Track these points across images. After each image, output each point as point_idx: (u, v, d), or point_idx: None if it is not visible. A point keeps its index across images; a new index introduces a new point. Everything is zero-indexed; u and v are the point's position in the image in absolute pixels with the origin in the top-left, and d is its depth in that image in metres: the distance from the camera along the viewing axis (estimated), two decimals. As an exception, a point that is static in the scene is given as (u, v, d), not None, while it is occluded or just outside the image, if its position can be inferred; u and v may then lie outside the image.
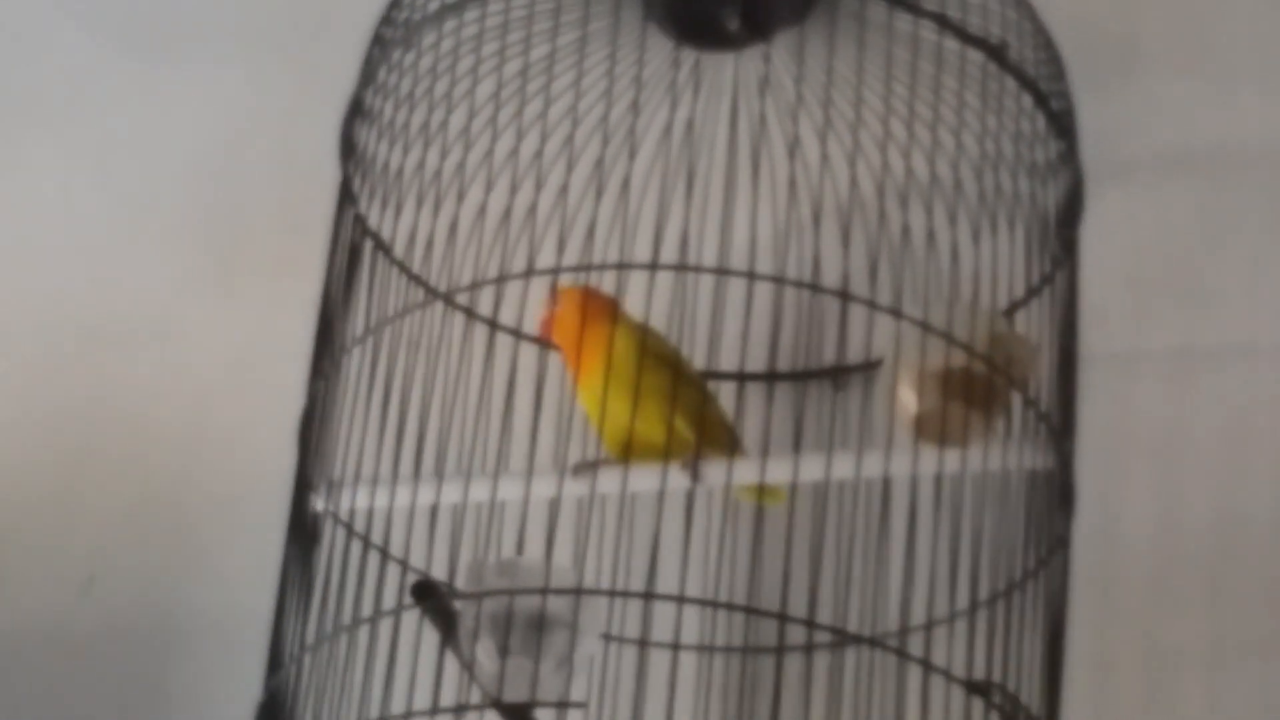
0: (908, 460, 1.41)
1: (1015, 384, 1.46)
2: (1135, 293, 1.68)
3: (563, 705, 1.42)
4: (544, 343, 1.55)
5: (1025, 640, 1.43)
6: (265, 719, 1.47)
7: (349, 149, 1.54)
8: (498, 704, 1.42)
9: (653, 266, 1.41)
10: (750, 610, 1.50)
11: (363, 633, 1.42)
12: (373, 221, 1.52)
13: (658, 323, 1.53)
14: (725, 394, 1.59)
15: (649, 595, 1.37)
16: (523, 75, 1.48)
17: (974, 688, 1.41)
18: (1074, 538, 1.48)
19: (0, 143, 2.01)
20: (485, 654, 1.43)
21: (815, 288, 1.41)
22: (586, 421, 1.52)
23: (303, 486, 1.50)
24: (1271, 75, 1.70)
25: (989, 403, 1.45)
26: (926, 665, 1.38)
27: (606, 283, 1.47)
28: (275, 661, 1.47)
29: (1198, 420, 1.64)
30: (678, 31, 1.52)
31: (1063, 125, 1.51)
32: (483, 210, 1.45)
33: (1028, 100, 1.49)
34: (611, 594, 1.47)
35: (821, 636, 1.44)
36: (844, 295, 1.40)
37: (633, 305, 1.48)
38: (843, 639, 1.48)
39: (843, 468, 1.42)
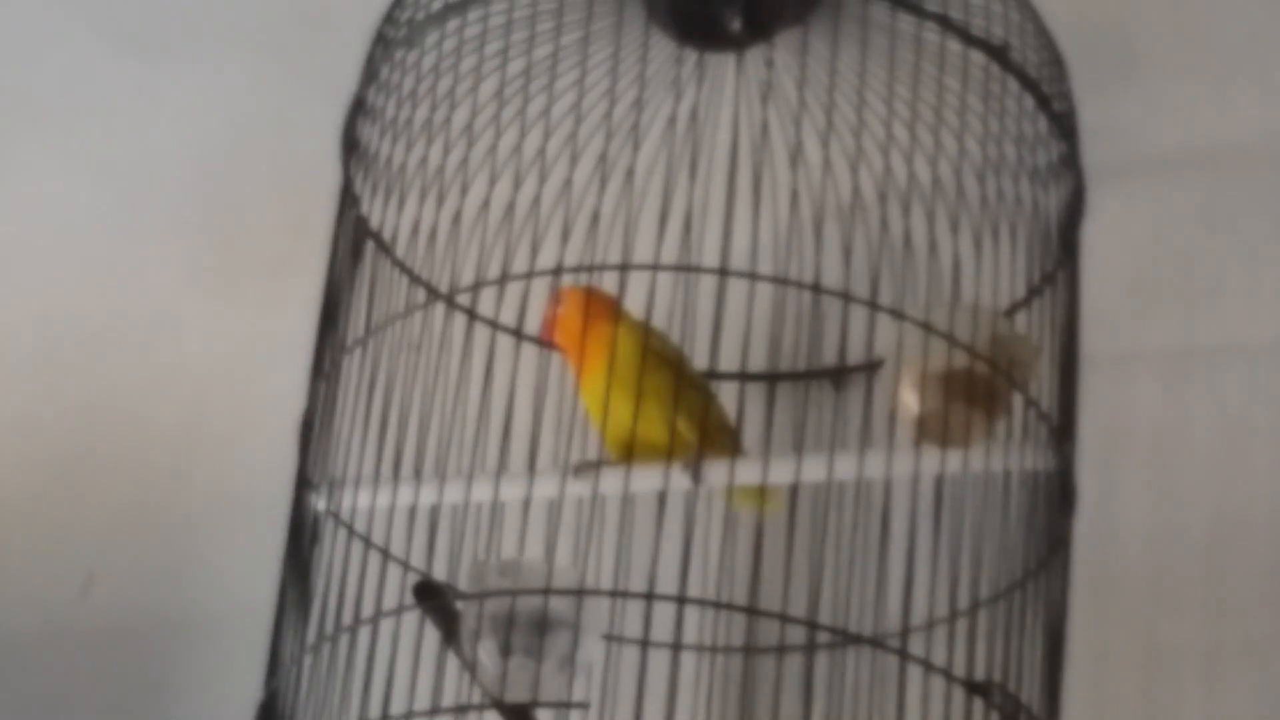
0: (909, 461, 1.41)
1: (1016, 385, 1.46)
2: (1136, 293, 1.68)
3: (564, 706, 1.43)
4: (545, 343, 1.55)
5: (1026, 640, 1.43)
6: (265, 719, 1.47)
7: (351, 148, 1.54)
8: (499, 704, 1.42)
9: (654, 267, 1.41)
10: (751, 611, 1.49)
11: (363, 633, 1.41)
12: (374, 220, 1.52)
13: (659, 323, 1.53)
14: (726, 394, 1.59)
15: (650, 596, 1.37)
16: (525, 75, 1.48)
17: (975, 688, 1.41)
18: (1073, 537, 1.48)
19: (-1, 142, 2.02)
20: (487, 654, 1.43)
21: (817, 289, 1.41)
22: (588, 422, 1.52)
23: (303, 486, 1.50)
24: (1271, 76, 1.70)
25: (990, 403, 1.45)
26: (927, 665, 1.38)
27: (608, 283, 1.47)
28: (275, 662, 1.47)
29: (1197, 420, 1.64)
30: (680, 32, 1.52)
31: (1065, 126, 1.51)
32: (485, 209, 1.45)
33: (1030, 101, 1.49)
34: (613, 594, 1.46)
35: (822, 637, 1.44)
36: (846, 296, 1.40)
37: (634, 305, 1.48)
38: (844, 639, 1.48)
39: (844, 468, 1.42)
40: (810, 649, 1.44)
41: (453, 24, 1.49)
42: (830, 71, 1.47)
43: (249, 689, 1.49)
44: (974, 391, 1.44)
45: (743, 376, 1.57)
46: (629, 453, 1.45)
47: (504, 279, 1.44)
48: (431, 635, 1.44)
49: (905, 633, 1.40)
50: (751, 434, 1.53)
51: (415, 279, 1.51)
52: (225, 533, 1.84)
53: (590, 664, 1.48)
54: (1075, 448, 1.48)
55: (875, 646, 1.43)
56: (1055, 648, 1.45)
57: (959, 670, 1.40)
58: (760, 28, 1.51)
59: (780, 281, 1.41)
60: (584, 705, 1.44)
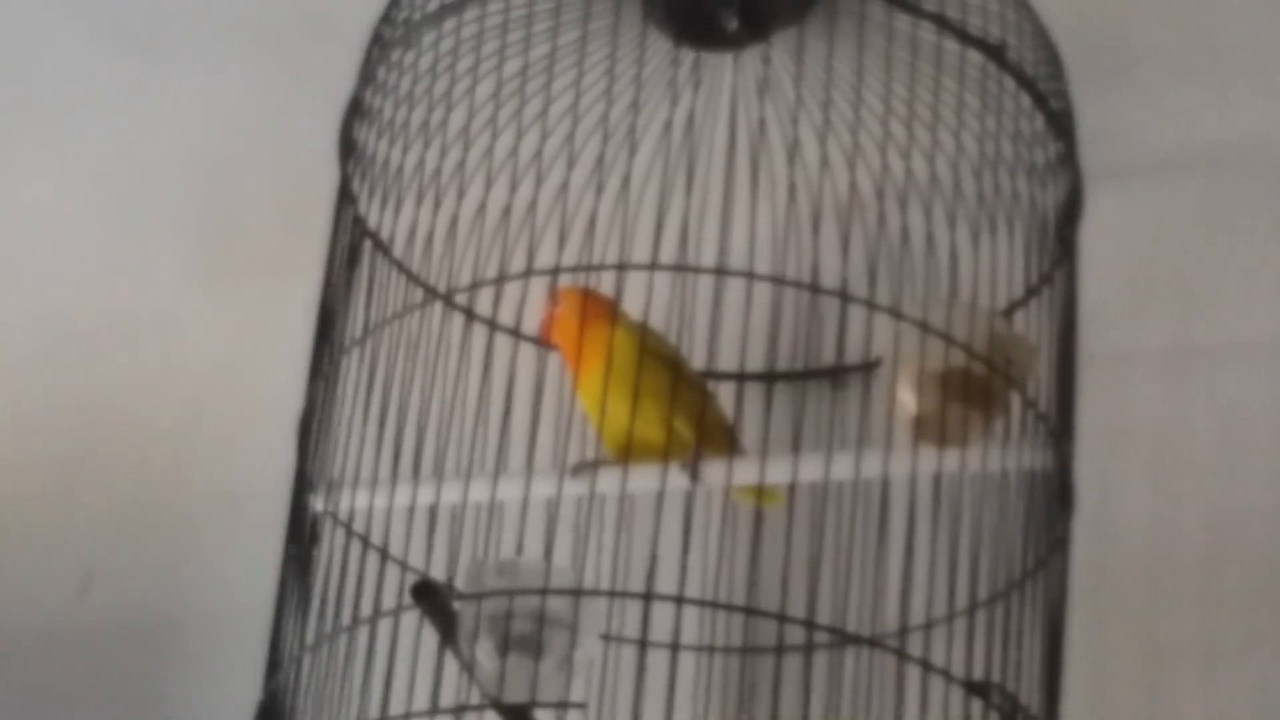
0: (907, 460, 1.41)
1: (1014, 384, 1.46)
2: (1133, 293, 1.68)
3: (562, 705, 1.43)
4: (543, 343, 1.55)
5: (1024, 640, 1.43)
6: (264, 719, 1.47)
7: (348, 148, 1.54)
8: (497, 704, 1.42)
9: (652, 267, 1.41)
10: (749, 610, 1.49)
11: (362, 633, 1.41)
12: (372, 221, 1.52)
13: (657, 323, 1.53)
14: (724, 394, 1.59)
15: (648, 595, 1.37)
16: (522, 75, 1.48)
17: (973, 688, 1.41)
18: (1072, 537, 1.48)
19: (-2, 142, 2.02)
20: (485, 654, 1.43)
21: (814, 288, 1.41)
22: (585, 421, 1.52)
23: (302, 486, 1.50)
24: (1270, 77, 1.70)
25: (988, 403, 1.45)
26: (925, 665, 1.38)
27: (605, 283, 1.47)
28: (274, 662, 1.47)
29: (1195, 420, 1.64)
30: (677, 31, 1.52)
31: (1062, 125, 1.51)
32: (482, 209, 1.45)
33: (1027, 100, 1.49)
34: (611, 594, 1.47)
35: (821, 637, 1.44)
36: (843, 295, 1.40)
37: (632, 305, 1.48)
38: (842, 639, 1.48)
39: (842, 468, 1.42)
40: (809, 649, 1.44)
41: (449, 24, 1.49)
42: (827, 70, 1.47)
43: (248, 689, 1.49)
44: (971, 391, 1.44)
45: (740, 376, 1.57)
46: (627, 452, 1.45)
47: (501, 279, 1.44)
48: (430, 635, 1.44)
49: (904, 632, 1.40)
50: (749, 433, 1.53)
51: (413, 278, 1.51)
52: (224, 532, 1.84)
53: (588, 664, 1.48)
54: (1073, 447, 1.48)
55: (874, 646, 1.43)
56: (1054, 647, 1.45)
57: (958, 670, 1.40)
58: (757, 27, 1.51)
59: (778, 281, 1.41)
60: (582, 705, 1.44)
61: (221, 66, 1.92)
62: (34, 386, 1.96)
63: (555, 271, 1.42)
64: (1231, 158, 1.70)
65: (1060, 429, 1.47)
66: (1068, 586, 1.47)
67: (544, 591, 1.41)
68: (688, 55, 1.53)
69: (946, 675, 1.39)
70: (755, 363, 1.59)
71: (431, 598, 1.44)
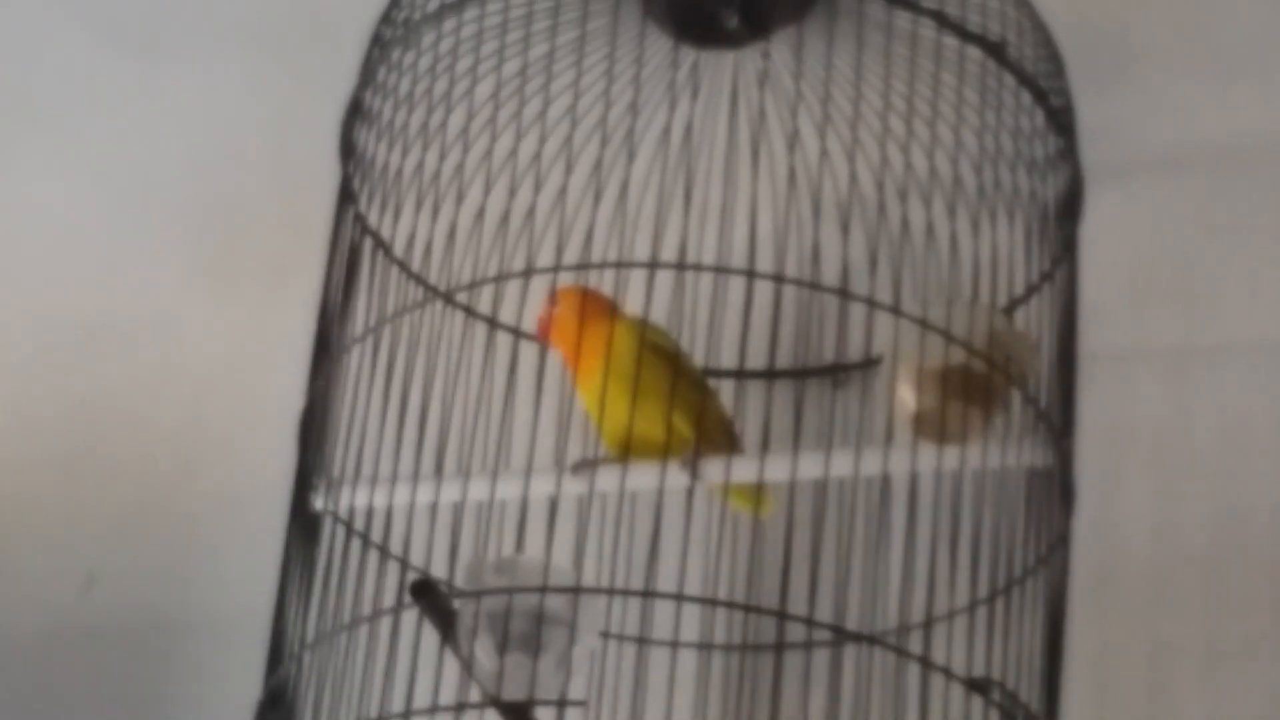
0: (907, 458, 1.41)
1: (1014, 382, 1.46)
2: (1134, 291, 1.68)
3: (562, 703, 1.42)
4: (542, 343, 1.55)
5: (1025, 638, 1.43)
6: (265, 717, 1.47)
7: (348, 148, 1.55)
8: (497, 702, 1.42)
9: (652, 265, 1.41)
10: (749, 608, 1.50)
11: (362, 631, 1.42)
12: (372, 221, 1.52)
13: (657, 321, 1.53)
14: (724, 391, 1.59)
15: (648, 593, 1.37)
16: (522, 75, 1.48)
17: (974, 685, 1.41)
18: (1073, 535, 1.48)
19: (-1, 145, 2.02)
20: (484, 652, 1.43)
21: (814, 286, 1.41)
22: (585, 419, 1.52)
23: (302, 485, 1.50)
24: (1271, 73, 1.70)
25: (988, 400, 1.45)
26: (926, 663, 1.38)
27: (606, 281, 1.47)
28: (275, 660, 1.47)
29: (1197, 418, 1.64)
30: (676, 30, 1.52)
31: (1062, 122, 1.51)
32: (482, 209, 1.45)
33: (1027, 97, 1.49)
34: (610, 592, 1.47)
35: (821, 634, 1.44)
36: (843, 293, 1.40)
37: (632, 304, 1.48)
38: (842, 637, 1.47)
39: (842, 465, 1.42)
40: (809, 646, 1.44)
41: (449, 24, 1.49)
42: (827, 67, 1.47)
43: (249, 687, 1.49)
44: (971, 389, 1.44)
45: (741, 374, 1.57)
46: (626, 450, 1.45)
47: (502, 277, 1.44)
48: (429, 633, 1.44)
49: (904, 630, 1.40)
50: (750, 431, 1.53)
51: (414, 277, 1.51)
52: (225, 532, 1.84)
53: (588, 661, 1.48)
54: (1074, 445, 1.48)
55: (874, 644, 1.43)
56: (1055, 645, 1.45)
57: (958, 668, 1.40)
58: (757, 25, 1.51)
59: (778, 279, 1.41)
60: (582, 703, 1.44)
61: (222, 67, 1.92)
62: (35, 387, 1.96)
63: (556, 270, 1.42)
64: (1233, 155, 1.69)
65: (1061, 426, 1.47)
66: (1068, 585, 1.47)
67: (543, 589, 1.41)
68: (687, 54, 1.53)
69: (947, 673, 1.39)
70: (755, 360, 1.58)
71: (431, 596, 1.44)
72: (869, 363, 1.58)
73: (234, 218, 1.93)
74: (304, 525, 1.50)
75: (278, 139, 1.90)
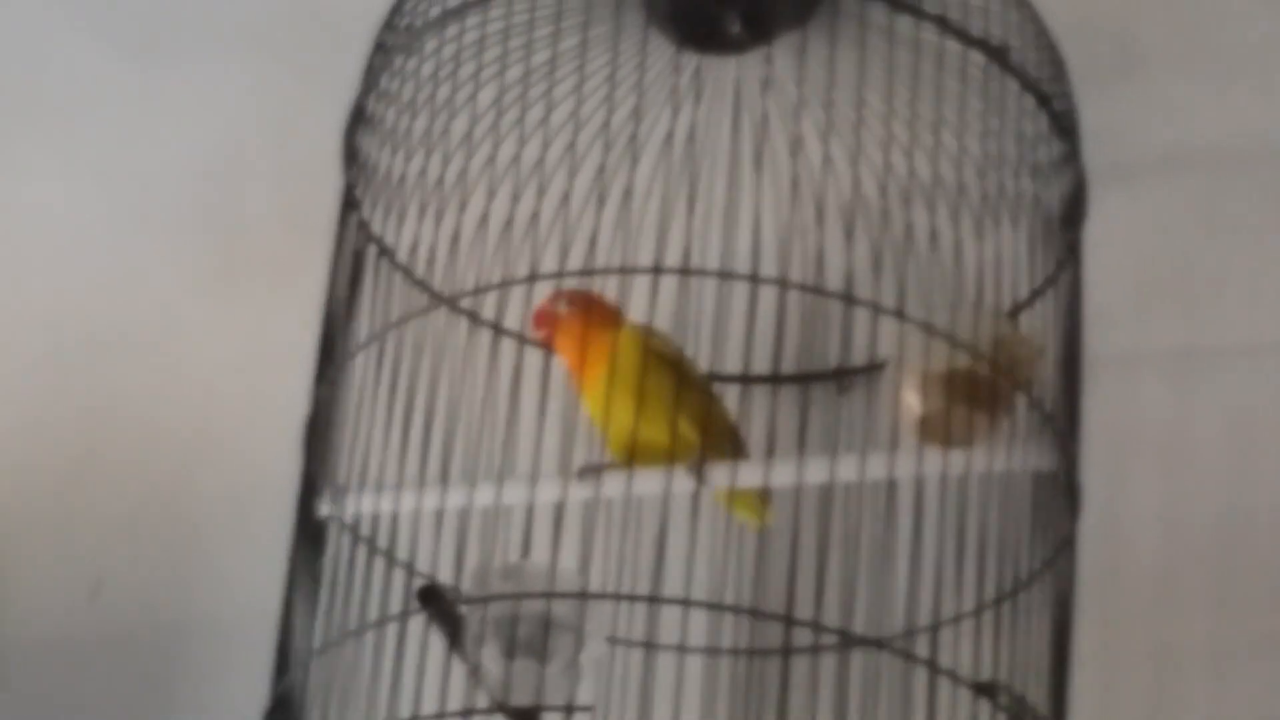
0: (912, 462, 1.41)
1: (1019, 385, 1.46)
2: (1139, 293, 1.68)
3: (569, 709, 1.43)
4: (542, 343, 1.54)
5: (1031, 641, 1.43)
6: (272, 723, 1.47)
7: (351, 155, 1.55)
8: (504, 708, 1.42)
9: (656, 270, 1.41)
10: (756, 613, 1.49)
11: (369, 637, 1.42)
12: (375, 227, 1.52)
13: (661, 327, 1.53)
14: (729, 396, 1.59)
15: (654, 598, 1.37)
16: (524, 81, 1.48)
17: (981, 689, 1.41)
18: (1079, 538, 1.48)
19: (2, 147, 2.02)
20: (491, 658, 1.43)
21: (819, 290, 1.41)
22: (591, 424, 1.52)
23: (308, 491, 1.50)
24: (1273, 74, 1.70)
25: (993, 404, 1.45)
26: (933, 667, 1.38)
27: (610, 287, 1.47)
28: (282, 666, 1.47)
29: (1202, 420, 1.64)
30: (679, 35, 1.52)
31: (1065, 126, 1.51)
32: (485, 220, 1.45)
33: (1030, 101, 1.49)
34: (617, 597, 1.47)
35: (828, 638, 1.44)
36: (848, 298, 1.40)
37: (636, 309, 1.48)
38: (849, 641, 1.47)
39: (847, 470, 1.42)
40: (816, 651, 1.44)
41: (452, 30, 1.49)
42: (830, 72, 1.47)
43: (256, 693, 1.49)
44: (976, 392, 1.44)
45: (745, 379, 1.57)
46: (632, 455, 1.45)
47: (506, 283, 1.44)
48: (437, 640, 1.44)
49: (911, 634, 1.40)
50: (754, 436, 1.53)
51: (417, 283, 1.51)
52: (232, 537, 1.84)
53: (595, 667, 1.48)
54: (1079, 448, 1.48)
55: (881, 648, 1.43)
56: (1061, 648, 1.45)
57: (965, 671, 1.40)
58: (760, 30, 1.51)
59: (782, 284, 1.41)
60: (589, 709, 1.44)
61: (226, 72, 1.92)
62: (41, 392, 1.96)
63: (560, 275, 1.42)
64: (1236, 157, 1.69)
65: (1066, 429, 1.47)
66: (1075, 587, 1.47)
67: (550, 595, 1.41)
68: (690, 60, 1.53)
69: (954, 676, 1.39)
70: (760, 365, 1.58)
71: (438, 602, 1.44)
72: (874, 367, 1.58)
73: (237, 223, 1.93)
74: (310, 531, 1.50)
75: (281, 144, 1.90)
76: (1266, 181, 1.68)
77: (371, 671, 1.40)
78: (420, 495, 1.42)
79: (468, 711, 1.40)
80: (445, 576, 1.44)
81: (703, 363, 1.56)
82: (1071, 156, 1.52)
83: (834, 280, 1.41)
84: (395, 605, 1.43)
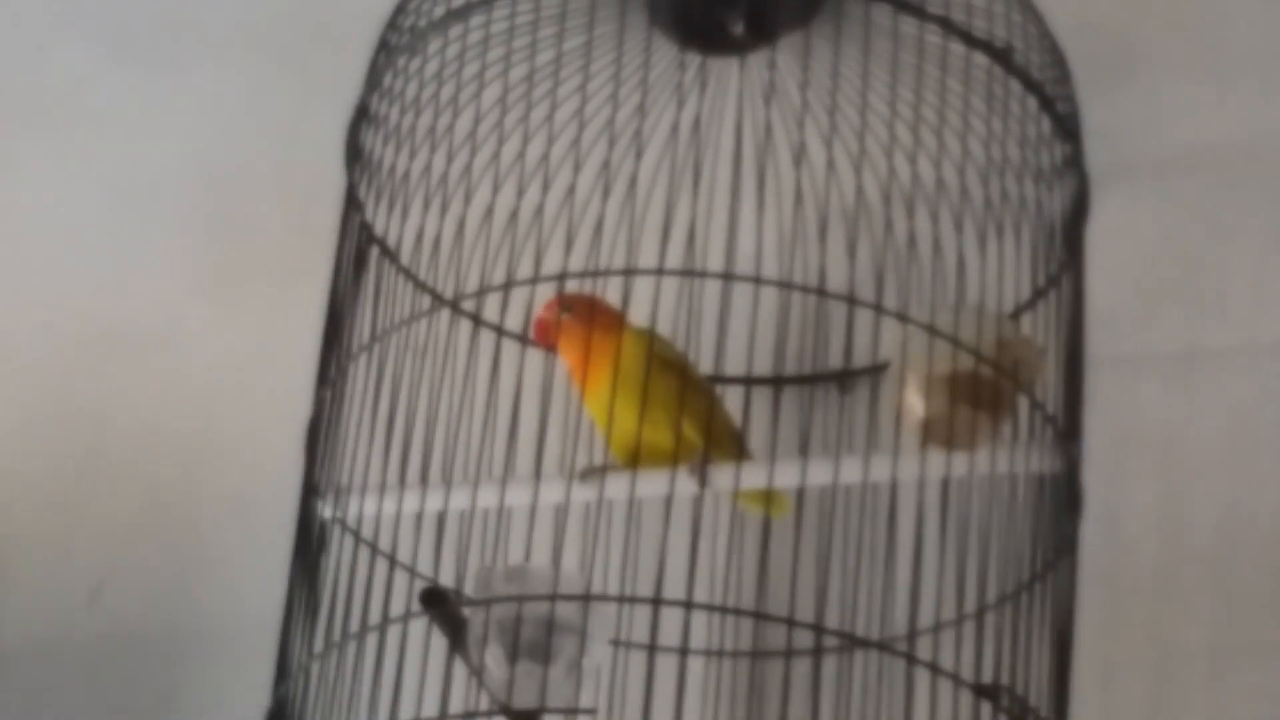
0: (915, 464, 1.41)
1: (1022, 387, 1.46)
2: (1141, 295, 1.68)
3: (572, 711, 1.43)
4: (545, 347, 1.54)
5: (1033, 643, 1.43)
6: (273, 726, 1.47)
7: (354, 155, 1.55)
8: (507, 710, 1.42)
9: (659, 272, 1.41)
10: (758, 615, 1.49)
11: (371, 640, 1.41)
12: (379, 228, 1.52)
13: (664, 327, 1.53)
14: (732, 398, 1.59)
15: (657, 601, 1.37)
16: (528, 81, 1.48)
17: (982, 691, 1.40)
18: (1081, 540, 1.48)
19: (3, 149, 2.02)
20: (494, 661, 1.43)
21: (822, 292, 1.41)
22: (593, 427, 1.52)
23: (310, 493, 1.50)
24: (1275, 75, 1.70)
25: (996, 406, 1.45)
26: (935, 669, 1.38)
27: (613, 288, 1.47)
28: (283, 669, 1.47)
29: (1204, 422, 1.64)
30: (682, 36, 1.52)
31: (1068, 128, 1.51)
32: (489, 215, 1.45)
33: (1033, 103, 1.49)
34: (620, 599, 1.46)
35: (830, 641, 1.44)
36: (850, 300, 1.40)
37: (639, 310, 1.48)
38: (851, 643, 1.48)
39: (850, 472, 1.42)
40: (817, 653, 1.44)
41: (455, 30, 1.49)
42: (833, 74, 1.47)
43: (257, 697, 1.49)
44: (979, 394, 1.44)
45: (748, 381, 1.57)
46: (635, 458, 1.45)
47: (509, 284, 1.44)
48: (439, 642, 1.44)
49: (912, 636, 1.39)
50: (757, 438, 1.53)
51: (420, 285, 1.51)
52: (233, 540, 1.84)
53: (597, 669, 1.48)
54: (1081, 450, 1.48)
55: (882, 650, 1.43)
56: (1063, 650, 1.45)
57: (967, 674, 1.40)
58: (763, 31, 1.51)
59: (785, 285, 1.41)
60: (591, 711, 1.44)
61: (228, 74, 1.92)
62: (42, 395, 1.96)
63: (562, 277, 1.42)
64: (1238, 158, 1.69)
65: (1068, 431, 1.47)
66: (1076, 590, 1.47)
67: (553, 597, 1.41)
68: (693, 60, 1.53)
69: (955, 679, 1.39)
70: (763, 367, 1.58)
71: (440, 604, 1.44)
72: (877, 369, 1.58)
73: (240, 225, 1.93)
74: (311, 533, 1.49)
75: (284, 146, 1.90)
76: (1268, 183, 1.68)
77: (374, 674, 1.40)
78: (422, 497, 1.42)
79: (470, 714, 1.39)
80: (447, 579, 1.44)
81: (705, 364, 1.56)
82: (1074, 158, 1.51)
83: (837, 282, 1.41)
84: (397, 608, 1.43)
